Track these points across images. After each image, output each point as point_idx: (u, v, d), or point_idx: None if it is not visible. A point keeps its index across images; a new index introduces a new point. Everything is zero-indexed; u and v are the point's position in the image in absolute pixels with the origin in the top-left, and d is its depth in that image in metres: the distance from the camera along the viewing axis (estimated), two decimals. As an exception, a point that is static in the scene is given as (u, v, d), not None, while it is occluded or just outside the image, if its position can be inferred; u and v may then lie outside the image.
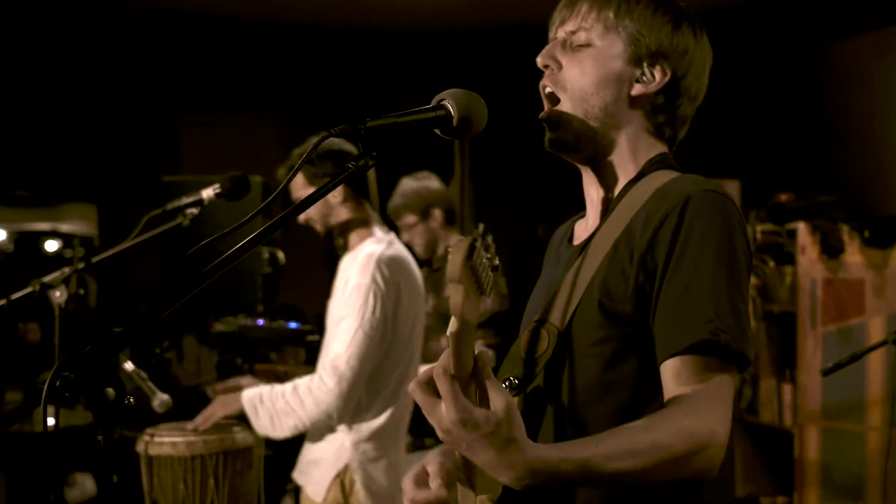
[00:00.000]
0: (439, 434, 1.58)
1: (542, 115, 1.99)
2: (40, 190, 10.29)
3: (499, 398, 1.56)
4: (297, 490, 5.74)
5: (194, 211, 3.13)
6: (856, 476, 5.75)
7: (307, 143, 3.77)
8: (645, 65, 1.96)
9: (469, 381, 1.60)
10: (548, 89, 1.98)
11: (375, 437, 3.65)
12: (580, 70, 1.95)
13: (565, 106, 1.96)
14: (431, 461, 1.93)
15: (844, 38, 6.88)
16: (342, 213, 3.75)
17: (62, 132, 8.78)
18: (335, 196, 3.70)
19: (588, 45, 1.96)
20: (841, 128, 6.93)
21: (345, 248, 3.82)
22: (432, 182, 5.23)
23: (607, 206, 1.98)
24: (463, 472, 1.78)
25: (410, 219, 5.14)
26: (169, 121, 9.03)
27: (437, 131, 1.88)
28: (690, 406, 1.70)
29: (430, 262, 5.24)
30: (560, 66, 1.97)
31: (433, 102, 1.88)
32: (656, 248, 1.79)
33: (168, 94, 8.71)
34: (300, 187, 3.72)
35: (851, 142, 6.84)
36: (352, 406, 3.59)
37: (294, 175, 1.84)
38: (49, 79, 8.33)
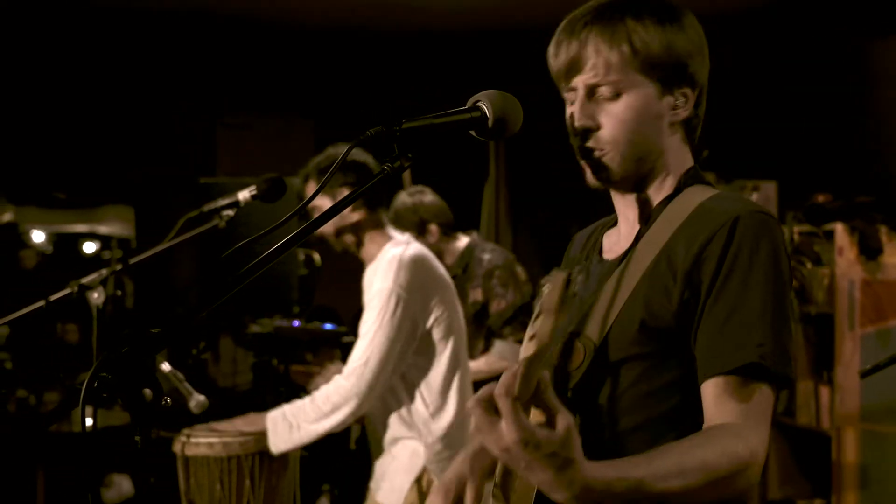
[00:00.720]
0: (496, 452, 1.57)
1: (589, 182, 1.97)
2: (78, 192, 10.36)
3: (562, 420, 1.55)
4: (332, 491, 5.76)
5: (230, 213, 3.14)
6: (894, 479, 5.69)
7: (324, 153, 3.77)
8: (675, 90, 1.93)
9: (529, 402, 1.60)
10: (594, 153, 1.93)
11: (447, 435, 3.66)
12: (621, 124, 1.90)
13: (610, 156, 1.92)
14: (470, 479, 1.98)
15: (883, 37, 6.83)
16: (357, 225, 3.73)
17: (100, 135, 8.85)
18: (350, 211, 3.67)
19: (618, 95, 1.90)
20: (879, 128, 6.88)
21: (364, 260, 3.81)
22: (426, 196, 5.18)
23: (644, 222, 1.97)
24: (500, 488, 1.79)
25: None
26: (206, 123, 9.09)
27: (473, 133, 1.87)
28: (735, 427, 1.71)
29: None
30: (599, 126, 1.92)
31: (468, 104, 1.88)
32: (703, 266, 1.79)
33: (205, 96, 8.76)
34: (322, 198, 3.68)
35: (890, 142, 6.78)
36: (370, 405, 3.59)
37: (331, 177, 1.84)
38: (87, 82, 8.40)
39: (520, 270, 5.20)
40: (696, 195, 1.91)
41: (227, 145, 9.21)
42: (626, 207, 2.02)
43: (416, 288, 3.59)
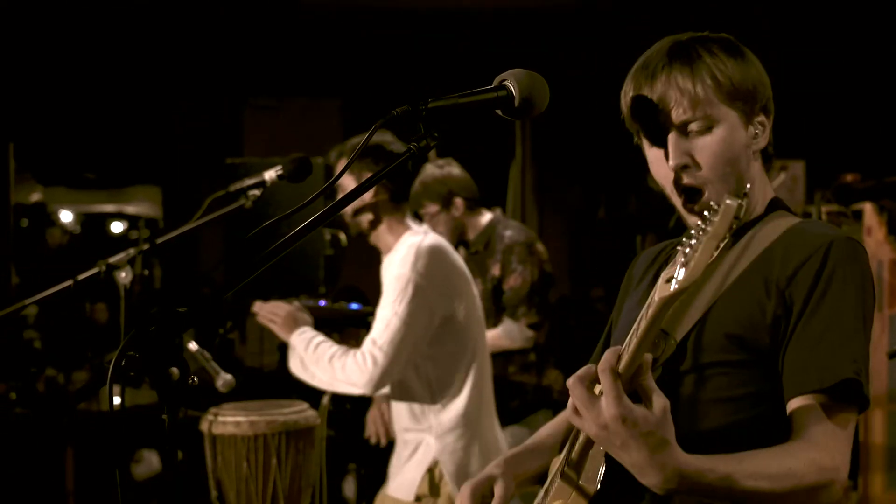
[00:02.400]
0: (592, 430, 1.61)
1: (683, 211, 1.97)
2: (106, 172, 10.44)
3: (659, 400, 1.59)
4: (358, 471, 5.78)
5: (257, 192, 3.15)
6: (922, 460, 5.68)
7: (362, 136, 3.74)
8: (754, 119, 1.95)
9: (628, 383, 1.62)
10: (694, 192, 1.93)
11: (457, 425, 3.63)
12: (716, 158, 1.91)
13: (713, 192, 1.92)
14: (499, 481, 2.01)
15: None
16: (377, 211, 3.71)
17: (128, 116, 8.89)
18: (371, 195, 3.65)
19: (709, 128, 1.91)
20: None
21: (380, 249, 3.78)
22: (454, 169, 5.18)
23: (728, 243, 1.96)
24: (573, 468, 1.82)
25: (432, 208, 5.10)
26: (233, 104, 9.11)
27: (499, 112, 1.87)
28: (823, 442, 1.73)
29: (467, 246, 5.22)
30: (697, 164, 1.92)
31: (495, 83, 1.87)
32: (797, 285, 1.81)
33: (232, 77, 8.78)
34: (347, 178, 3.67)
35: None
36: (381, 388, 3.57)
37: (356, 157, 1.84)
38: (116, 63, 8.43)
39: (541, 248, 5.18)
40: (784, 219, 1.95)
41: (254, 126, 9.23)
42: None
43: (433, 277, 3.56)
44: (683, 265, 1.55)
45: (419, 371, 3.61)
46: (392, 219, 3.70)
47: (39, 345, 7.34)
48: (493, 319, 5.04)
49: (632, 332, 1.65)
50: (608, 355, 1.61)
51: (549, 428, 2.24)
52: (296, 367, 3.60)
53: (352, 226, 3.74)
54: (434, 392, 3.61)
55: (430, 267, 3.55)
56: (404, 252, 3.58)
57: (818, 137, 7.01)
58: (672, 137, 1.92)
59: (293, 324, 3.63)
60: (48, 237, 9.52)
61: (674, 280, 1.55)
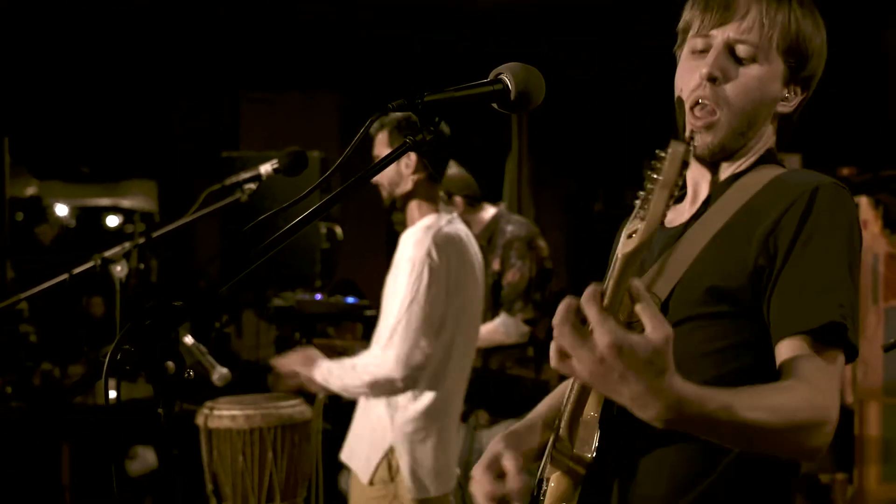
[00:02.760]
0: (587, 369, 1.50)
1: (697, 125, 1.91)
2: (102, 166, 10.43)
3: (660, 327, 1.49)
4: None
5: (253, 186, 3.14)
6: (918, 454, 5.69)
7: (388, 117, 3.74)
8: (791, 84, 1.93)
9: (617, 312, 1.56)
10: (707, 105, 1.89)
11: (422, 417, 3.62)
12: (744, 89, 1.88)
13: (724, 119, 1.89)
14: (507, 455, 1.92)
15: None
16: (409, 186, 3.73)
17: (123, 110, 8.88)
18: (408, 168, 3.68)
19: (754, 60, 1.88)
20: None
21: (404, 224, 3.80)
22: (451, 169, 5.19)
23: (711, 193, 1.95)
24: (567, 439, 1.80)
25: None
26: (229, 97, 9.10)
27: (495, 105, 1.87)
28: (813, 380, 1.68)
29: None
30: (727, 81, 1.89)
31: (491, 76, 1.87)
32: (781, 232, 1.78)
33: (227, 71, 8.77)
34: (382, 147, 3.69)
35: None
36: (416, 376, 3.57)
37: (351, 150, 1.83)
38: (112, 57, 8.42)
39: (542, 244, 5.19)
40: (770, 170, 1.91)
41: (251, 120, 9.22)
42: (700, 179, 2.00)
43: (443, 263, 3.58)
44: (641, 218, 1.54)
45: None
46: (424, 199, 3.73)
47: (35, 339, 7.33)
48: (491, 313, 5.05)
49: (602, 290, 1.56)
50: (590, 288, 1.51)
51: (548, 402, 2.20)
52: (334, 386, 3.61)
53: (385, 195, 3.76)
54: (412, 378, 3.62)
55: (443, 254, 3.57)
56: (420, 234, 3.60)
57: (815, 131, 7.01)
58: (718, 49, 1.89)
59: (311, 363, 3.65)
60: (42, 232, 9.50)
61: (634, 235, 1.53)
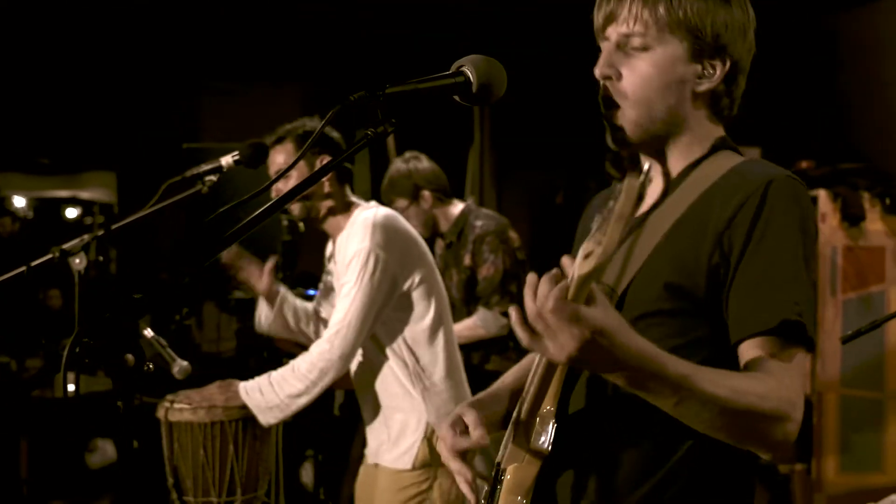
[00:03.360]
0: (574, 343, 1.54)
1: (609, 144, 1.94)
2: (61, 157, 10.34)
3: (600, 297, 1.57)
4: (315, 457, 5.78)
5: (213, 178, 3.13)
6: (874, 444, 5.74)
7: (296, 122, 3.75)
8: (705, 59, 1.91)
9: None
10: (608, 97, 1.91)
11: (445, 387, 3.67)
12: (641, 79, 1.88)
13: (627, 112, 1.90)
14: (467, 412, 1.98)
15: (866, 4, 6.83)
16: (326, 195, 3.72)
17: (83, 100, 8.80)
18: (324, 184, 3.67)
19: (646, 49, 1.88)
20: (862, 95, 6.88)
21: (328, 232, 3.79)
22: (420, 163, 5.19)
23: (668, 184, 1.96)
24: (519, 429, 1.83)
25: (401, 203, 5.11)
26: (190, 89, 9.04)
27: (457, 98, 1.87)
28: (779, 376, 1.70)
29: (441, 237, 5.23)
30: (620, 76, 1.90)
31: (452, 69, 1.87)
32: (736, 228, 1.78)
33: (189, 62, 8.71)
34: (281, 156, 3.67)
35: (873, 109, 6.79)
36: (351, 360, 3.59)
37: (312, 142, 1.83)
38: (70, 47, 8.34)
39: (513, 236, 5.20)
40: (727, 159, 1.91)
41: (212, 111, 9.17)
42: (653, 163, 2.00)
43: (392, 246, 3.59)
44: (598, 242, 1.55)
45: (395, 338, 3.63)
46: (341, 202, 3.73)
47: (-8, 332, 7.27)
48: (467, 309, 5.07)
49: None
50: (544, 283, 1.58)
51: (514, 373, 2.23)
52: (272, 416, 3.58)
53: (300, 210, 3.74)
54: (414, 356, 3.65)
55: (388, 237, 3.58)
56: (360, 228, 3.60)
57: (774, 124, 7.07)
58: (607, 48, 1.91)
59: (228, 389, 3.63)
60: (1, 224, 9.40)
61: (592, 256, 1.55)
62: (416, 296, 3.66)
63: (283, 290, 4.02)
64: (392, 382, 3.70)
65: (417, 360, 3.66)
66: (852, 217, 5.71)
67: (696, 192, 1.87)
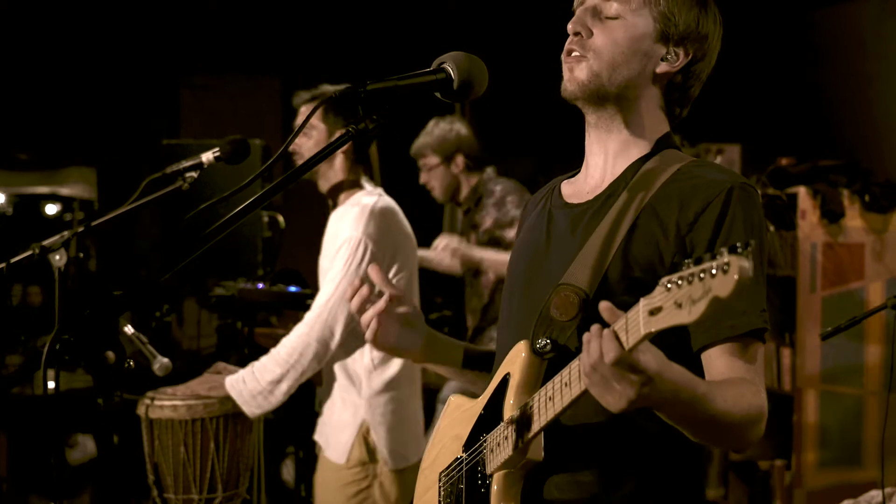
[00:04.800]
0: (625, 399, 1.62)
1: (563, 91, 2.01)
2: (40, 153, 10.26)
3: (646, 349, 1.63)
4: (296, 454, 5.77)
5: (194, 174, 3.11)
6: (853, 440, 5.77)
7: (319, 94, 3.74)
8: (671, 45, 1.99)
9: None
10: (574, 53, 1.99)
11: (389, 388, 3.67)
12: (611, 40, 1.96)
13: (590, 62, 1.97)
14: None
15: (847, 1, 6.85)
16: (338, 174, 3.75)
17: (62, 95, 8.75)
18: (336, 153, 3.70)
19: (619, 17, 1.97)
20: (842, 92, 6.91)
21: (333, 206, 3.82)
22: (461, 127, 5.26)
23: (616, 175, 2.00)
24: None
25: (433, 160, 5.17)
26: (169, 84, 9.00)
27: (438, 94, 1.88)
28: (750, 379, 1.81)
29: (458, 204, 5.29)
30: (591, 34, 1.97)
31: (434, 65, 1.88)
32: (698, 232, 1.85)
33: (168, 56, 8.67)
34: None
35: (853, 106, 6.82)
36: (332, 353, 3.59)
37: (293, 139, 1.83)
38: (48, 41, 8.29)
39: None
40: (674, 159, 1.97)
41: (192, 106, 9.12)
42: (597, 148, 2.05)
43: (383, 239, 3.61)
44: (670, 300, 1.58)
45: (354, 331, 3.62)
46: (350, 176, 3.74)
47: (-29, 329, 7.22)
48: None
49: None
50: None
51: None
52: (258, 405, 3.58)
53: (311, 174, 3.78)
54: (368, 351, 3.64)
55: (381, 229, 3.61)
56: (356, 212, 3.62)
57: (754, 121, 7.08)
58: (583, 7, 2.00)
59: (216, 381, 3.63)
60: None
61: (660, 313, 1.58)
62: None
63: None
64: (341, 373, 3.71)
65: (371, 356, 3.66)
66: (832, 214, 5.73)
67: (651, 190, 1.91)
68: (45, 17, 8.02)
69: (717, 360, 1.82)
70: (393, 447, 3.64)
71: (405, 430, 3.70)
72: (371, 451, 3.64)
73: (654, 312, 1.55)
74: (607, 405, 1.64)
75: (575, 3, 2.05)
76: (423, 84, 1.86)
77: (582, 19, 1.98)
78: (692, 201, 1.86)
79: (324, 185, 3.80)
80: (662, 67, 1.99)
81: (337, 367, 3.73)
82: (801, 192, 5.75)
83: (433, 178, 5.22)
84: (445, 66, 1.86)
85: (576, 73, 1.97)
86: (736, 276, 1.44)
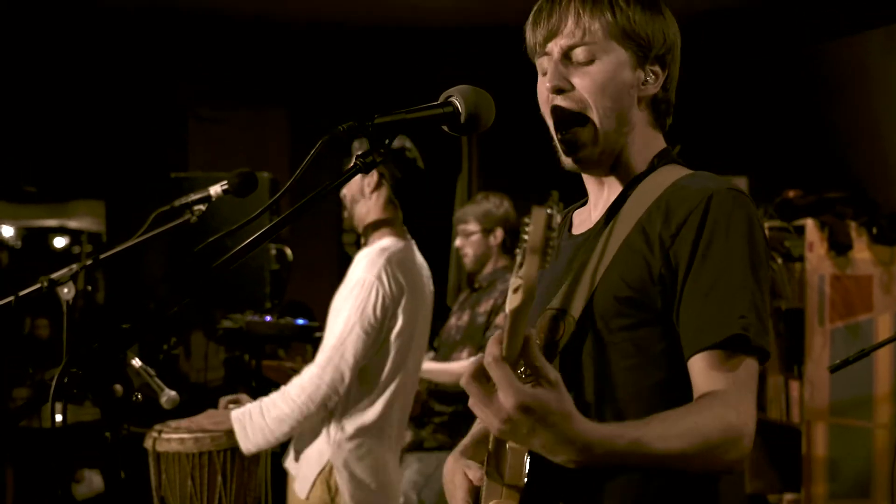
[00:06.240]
0: (496, 426, 1.59)
1: (564, 163, 1.99)
2: (48, 186, 10.29)
3: (550, 374, 1.59)
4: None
5: (202, 207, 3.12)
6: (863, 473, 5.74)
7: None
8: (647, 65, 1.97)
9: (516, 363, 1.62)
10: (567, 109, 1.94)
11: (360, 434, 3.61)
12: (596, 85, 1.93)
13: (593, 118, 1.93)
14: (470, 466, 1.94)
15: (853, 34, 6.87)
16: (371, 210, 3.74)
17: (70, 128, 8.79)
18: (369, 187, 3.69)
19: (592, 60, 1.93)
20: (849, 124, 6.92)
21: (356, 245, 3.82)
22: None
23: (615, 200, 1.99)
24: (494, 468, 1.80)
25: (473, 227, 5.19)
26: (177, 117, 9.04)
27: (445, 128, 1.88)
28: (725, 396, 1.73)
29: (472, 281, 5.29)
30: (573, 87, 1.94)
31: (441, 99, 1.89)
32: (680, 243, 1.81)
33: (176, 90, 8.71)
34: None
35: (860, 138, 6.83)
36: (342, 398, 3.57)
37: (301, 172, 1.83)
38: (57, 75, 8.34)
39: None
40: (671, 173, 1.95)
41: (199, 139, 9.15)
42: (598, 188, 2.04)
43: (398, 285, 3.59)
44: (520, 276, 1.59)
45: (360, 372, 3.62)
46: (383, 219, 3.73)
47: (-21, 361, 7.22)
48: (471, 349, 5.08)
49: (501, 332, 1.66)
50: (491, 346, 1.61)
51: None
52: (255, 443, 3.57)
53: (346, 217, 3.78)
54: (350, 394, 3.61)
55: (395, 276, 3.59)
56: (375, 254, 3.61)
57: (761, 153, 7.09)
58: (555, 60, 1.95)
59: (222, 416, 3.63)
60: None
61: (519, 290, 1.59)
62: (393, 338, 3.63)
63: None
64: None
65: (349, 399, 3.63)
66: (839, 246, 5.73)
67: (643, 207, 1.89)
68: (53, 51, 8.07)
69: (697, 374, 1.78)
70: (355, 492, 3.60)
71: (372, 479, 3.64)
72: (332, 493, 3.61)
73: (515, 290, 1.59)
74: (485, 422, 1.62)
75: (531, 48, 2.01)
76: (431, 117, 1.86)
77: (559, 73, 1.93)
78: (676, 212, 1.83)
79: (357, 223, 3.79)
80: (648, 90, 1.98)
81: None
82: (809, 224, 5.75)
83: (468, 245, 5.26)
84: (453, 99, 1.86)
85: (574, 152, 1.94)
86: (533, 213, 1.51)
